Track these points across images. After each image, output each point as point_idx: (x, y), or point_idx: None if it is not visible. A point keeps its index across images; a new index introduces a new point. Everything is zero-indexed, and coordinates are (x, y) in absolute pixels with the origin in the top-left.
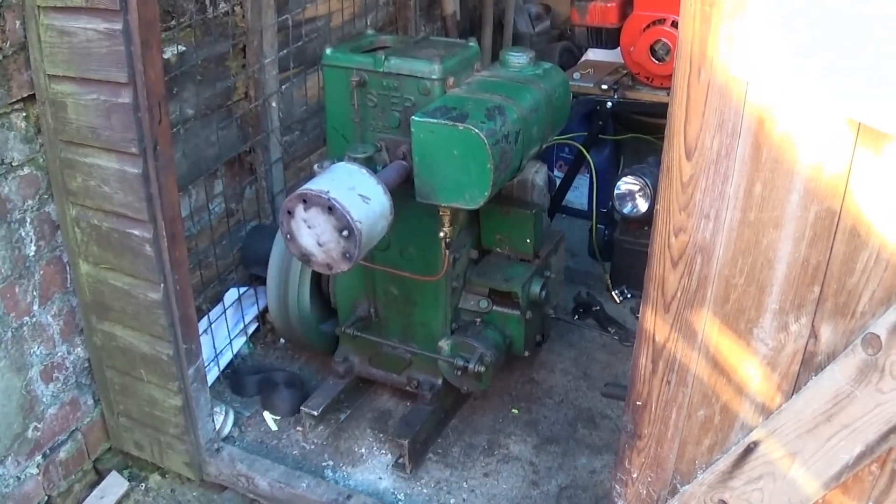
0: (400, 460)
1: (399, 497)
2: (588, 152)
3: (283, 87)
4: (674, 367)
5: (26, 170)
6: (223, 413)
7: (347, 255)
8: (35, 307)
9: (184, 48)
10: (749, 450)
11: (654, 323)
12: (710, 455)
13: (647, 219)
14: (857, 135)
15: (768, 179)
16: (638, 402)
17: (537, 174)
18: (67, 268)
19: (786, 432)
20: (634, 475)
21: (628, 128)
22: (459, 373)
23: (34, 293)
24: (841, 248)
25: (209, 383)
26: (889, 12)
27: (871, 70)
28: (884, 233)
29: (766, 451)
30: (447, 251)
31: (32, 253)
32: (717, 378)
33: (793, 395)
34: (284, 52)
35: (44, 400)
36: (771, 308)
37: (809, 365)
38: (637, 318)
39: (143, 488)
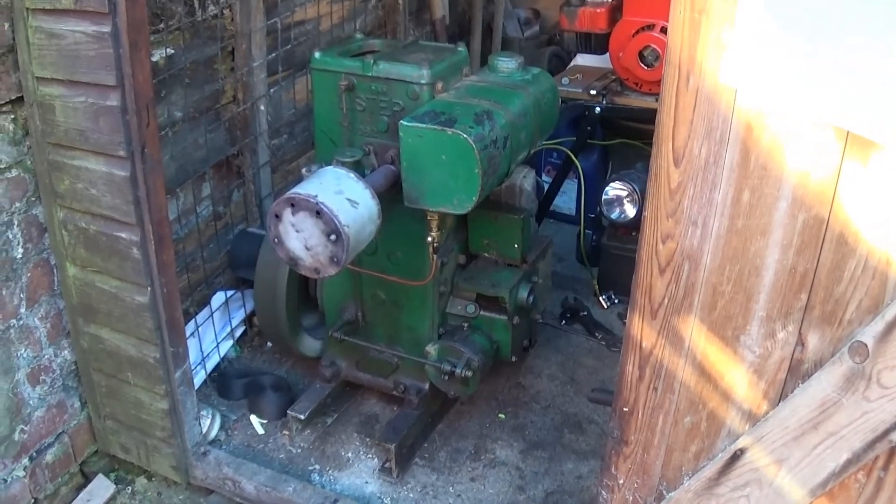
0: (386, 465)
1: (385, 501)
2: (576, 157)
3: (272, 90)
4: (661, 373)
5: (14, 172)
6: (210, 416)
7: (335, 259)
8: (22, 310)
9: (172, 51)
10: (735, 457)
11: (641, 329)
12: (697, 462)
13: (635, 224)
14: (844, 143)
15: (756, 187)
16: (625, 409)
17: (525, 179)
18: (54, 270)
19: (772, 440)
20: (621, 481)
21: (617, 133)
22: (446, 377)
23: (21, 296)
24: (828, 255)
25: (196, 387)
26: (876, 22)
27: (858, 79)
28: (871, 241)
29: (752, 458)
30: (435, 256)
31: (20, 255)
32: (704, 385)
33: (779, 402)
34: (273, 55)
35: (30, 402)
36: (758, 315)
37: (796, 373)
38: (624, 323)
39: (129, 491)
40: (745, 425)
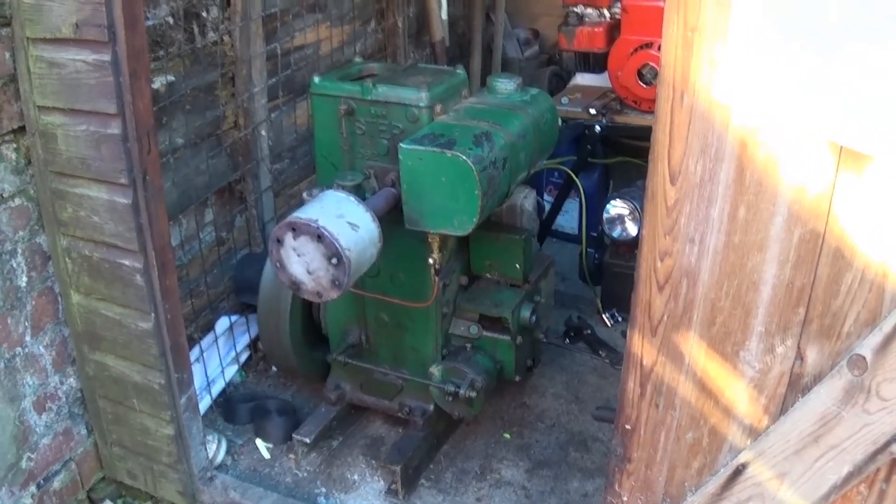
0: (392, 487)
1: None
2: (577, 176)
3: (273, 115)
4: (661, 390)
5: (17, 201)
6: (216, 441)
7: (337, 282)
8: (27, 338)
9: (173, 78)
10: (738, 472)
11: (641, 347)
12: (700, 477)
13: (637, 242)
14: (839, 157)
15: (752, 203)
16: (627, 426)
17: (526, 199)
18: (59, 298)
19: (774, 454)
20: (625, 498)
21: (617, 151)
22: (451, 398)
23: (26, 324)
24: (825, 269)
25: (201, 412)
26: (867, 37)
27: (850, 93)
28: (868, 254)
29: (754, 472)
30: (437, 277)
31: (24, 284)
32: (705, 401)
33: (780, 416)
34: (273, 80)
35: (37, 430)
36: (757, 330)
37: (796, 387)
38: None
39: None
40: (747, 440)
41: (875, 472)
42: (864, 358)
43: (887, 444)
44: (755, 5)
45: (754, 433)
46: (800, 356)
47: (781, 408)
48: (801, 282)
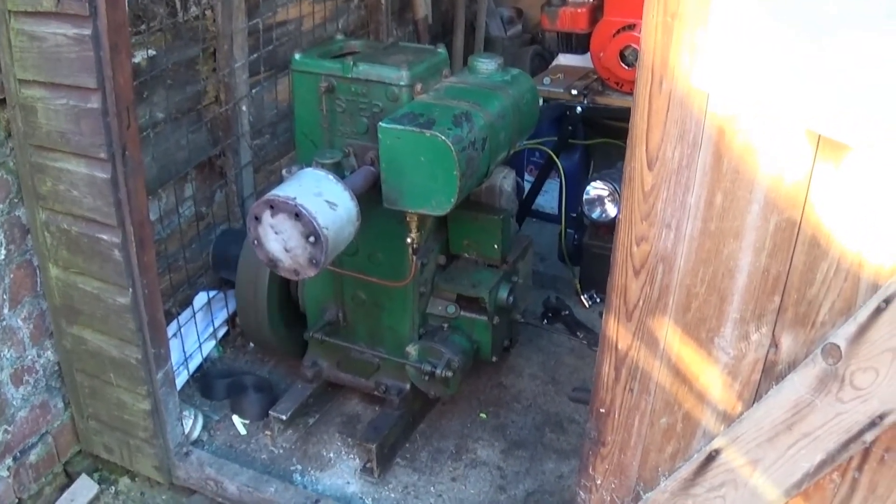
0: (368, 465)
1: (367, 502)
2: (558, 157)
3: (254, 90)
4: (636, 374)
5: None
6: (192, 417)
7: (314, 260)
8: (5, 310)
9: (154, 52)
10: (711, 457)
11: (616, 331)
12: (673, 462)
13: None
14: (816, 146)
15: (729, 190)
16: (601, 410)
17: (505, 180)
18: (37, 272)
19: (747, 440)
20: (598, 482)
21: (598, 132)
22: (427, 378)
23: (4, 297)
24: (801, 258)
25: (178, 387)
26: (847, 25)
27: (829, 82)
28: (844, 243)
29: (727, 458)
30: (414, 256)
31: (2, 257)
32: (679, 386)
33: (754, 403)
34: (255, 56)
35: (14, 403)
36: (732, 317)
37: (770, 374)
38: None
39: (112, 491)
40: (721, 426)
41: (848, 461)
42: (838, 347)
43: (860, 433)
44: None
45: (728, 419)
46: (774, 344)
47: (755, 395)
48: (777, 270)
